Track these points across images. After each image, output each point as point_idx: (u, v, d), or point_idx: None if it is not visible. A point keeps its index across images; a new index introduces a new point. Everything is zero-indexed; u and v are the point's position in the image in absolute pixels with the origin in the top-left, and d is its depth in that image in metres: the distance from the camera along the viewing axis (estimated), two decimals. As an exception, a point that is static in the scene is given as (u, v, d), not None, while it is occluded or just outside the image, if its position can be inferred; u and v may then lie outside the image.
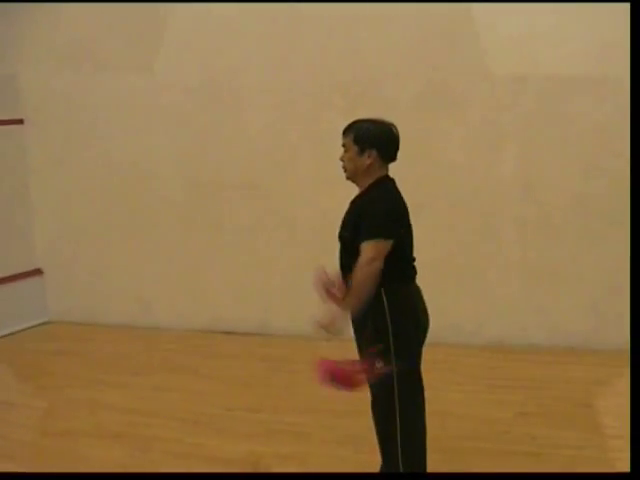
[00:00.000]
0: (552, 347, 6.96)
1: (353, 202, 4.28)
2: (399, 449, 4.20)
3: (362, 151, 4.22)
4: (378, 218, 4.10)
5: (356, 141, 4.21)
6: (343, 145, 4.27)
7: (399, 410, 4.19)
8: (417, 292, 4.40)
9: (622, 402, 5.59)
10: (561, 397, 5.90)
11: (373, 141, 4.23)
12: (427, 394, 5.69)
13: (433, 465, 4.89)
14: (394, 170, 7.10)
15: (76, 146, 8.62)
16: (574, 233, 6.89)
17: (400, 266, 4.25)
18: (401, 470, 4.20)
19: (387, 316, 4.14)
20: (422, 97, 7.15)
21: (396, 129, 4.32)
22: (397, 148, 4.35)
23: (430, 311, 7.11)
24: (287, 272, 7.75)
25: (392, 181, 4.38)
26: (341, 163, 4.30)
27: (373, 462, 5.13)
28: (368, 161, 4.24)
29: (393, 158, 4.36)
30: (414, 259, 4.39)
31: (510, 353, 6.95)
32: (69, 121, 8.60)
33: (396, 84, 7.21)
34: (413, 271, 4.39)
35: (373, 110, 7.09)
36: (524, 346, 7.04)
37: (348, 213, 4.24)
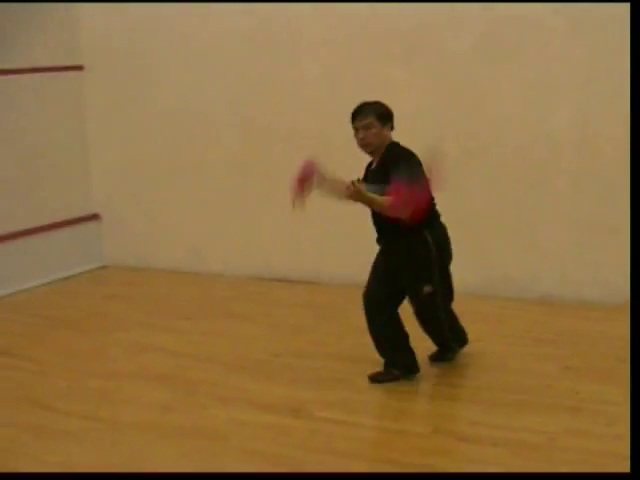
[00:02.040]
0: (603, 303, 6.86)
1: (378, 166, 5.25)
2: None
3: (384, 126, 5.20)
4: (409, 166, 5.00)
5: (379, 119, 5.17)
6: (365, 125, 5.14)
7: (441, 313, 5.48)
8: (445, 228, 5.43)
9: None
10: (608, 353, 5.84)
11: (389, 116, 5.24)
12: (474, 346, 5.86)
13: (471, 415, 4.95)
14: (448, 121, 7.11)
15: (135, 92, 8.67)
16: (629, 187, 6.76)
17: (432, 207, 5.26)
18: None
19: (432, 249, 5.23)
20: (477, 48, 7.06)
21: None
22: None
23: (481, 264, 7.25)
24: (341, 221, 7.72)
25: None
26: (362, 141, 5.20)
27: (414, 410, 5.20)
28: (389, 133, 5.25)
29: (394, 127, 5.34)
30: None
31: (560, 308, 6.88)
32: (128, 67, 8.63)
33: (451, 35, 7.12)
34: (438, 211, 5.38)
35: (430, 61, 7.14)
36: (575, 301, 6.96)
37: (376, 174, 5.22)
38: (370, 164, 5.38)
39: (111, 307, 7.60)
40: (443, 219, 5.39)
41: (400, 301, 5.41)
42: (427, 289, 5.24)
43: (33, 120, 8.33)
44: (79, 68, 8.76)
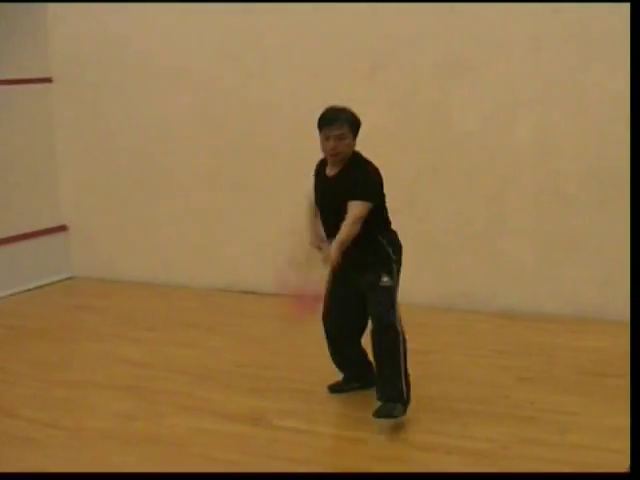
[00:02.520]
0: (562, 316, 6.98)
1: (341, 176, 5.08)
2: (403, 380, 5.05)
3: (355, 137, 5.03)
4: (371, 185, 5.03)
5: (351, 130, 4.98)
6: (338, 135, 4.93)
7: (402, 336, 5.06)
8: (396, 233, 5.27)
9: (624, 372, 5.66)
10: (565, 364, 5.97)
11: (359, 126, 5.05)
12: (433, 357, 5.95)
13: (426, 424, 5.05)
14: (411, 137, 7.21)
15: (103, 105, 8.73)
16: (589, 203, 6.89)
17: (387, 217, 5.20)
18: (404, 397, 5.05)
19: (390, 256, 5.09)
20: (440, 64, 7.18)
21: None
22: None
23: (443, 278, 7.32)
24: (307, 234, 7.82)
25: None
26: (333, 151, 4.98)
27: (371, 419, 5.23)
28: (355, 142, 5.06)
29: None
30: None
31: (520, 321, 7.00)
32: (97, 80, 8.69)
33: (415, 51, 7.25)
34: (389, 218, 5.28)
35: (393, 77, 7.25)
36: (535, 314, 7.07)
37: (339, 184, 5.06)
38: (323, 167, 5.21)
39: (78, 318, 7.67)
40: (405, 234, 5.34)
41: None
42: (385, 280, 5.02)
43: (1, 132, 8.40)
44: (48, 80, 8.82)
